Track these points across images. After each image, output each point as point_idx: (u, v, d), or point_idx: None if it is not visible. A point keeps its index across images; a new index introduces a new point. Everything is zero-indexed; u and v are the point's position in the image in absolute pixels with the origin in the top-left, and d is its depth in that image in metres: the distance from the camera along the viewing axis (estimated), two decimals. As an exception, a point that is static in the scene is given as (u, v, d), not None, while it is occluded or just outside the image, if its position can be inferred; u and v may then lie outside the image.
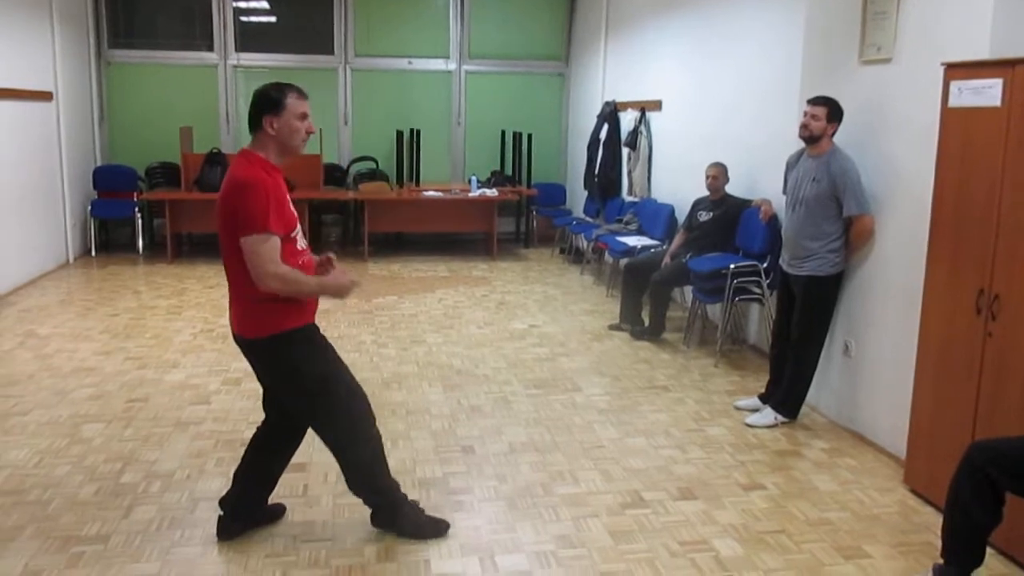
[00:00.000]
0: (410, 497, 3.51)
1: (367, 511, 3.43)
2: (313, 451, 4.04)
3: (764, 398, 4.69)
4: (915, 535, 3.40)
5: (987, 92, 3.34)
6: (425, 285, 8.01)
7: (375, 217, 9.34)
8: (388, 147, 10.47)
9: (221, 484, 3.66)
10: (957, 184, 3.50)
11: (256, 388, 4.93)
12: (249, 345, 3.02)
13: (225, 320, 6.49)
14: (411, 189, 9.94)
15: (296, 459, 3.91)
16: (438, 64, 10.86)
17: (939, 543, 3.30)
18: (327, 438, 3.16)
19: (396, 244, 10.23)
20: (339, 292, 3.05)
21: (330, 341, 3.19)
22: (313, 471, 3.85)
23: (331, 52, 10.62)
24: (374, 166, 10.42)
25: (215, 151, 9.33)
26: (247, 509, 3.30)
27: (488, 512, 3.49)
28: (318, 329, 3.13)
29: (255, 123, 2.93)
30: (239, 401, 4.74)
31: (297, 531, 3.31)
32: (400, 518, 3.26)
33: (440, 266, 9.03)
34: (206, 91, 10.36)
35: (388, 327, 6.40)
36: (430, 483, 3.75)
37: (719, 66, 6.65)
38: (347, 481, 3.23)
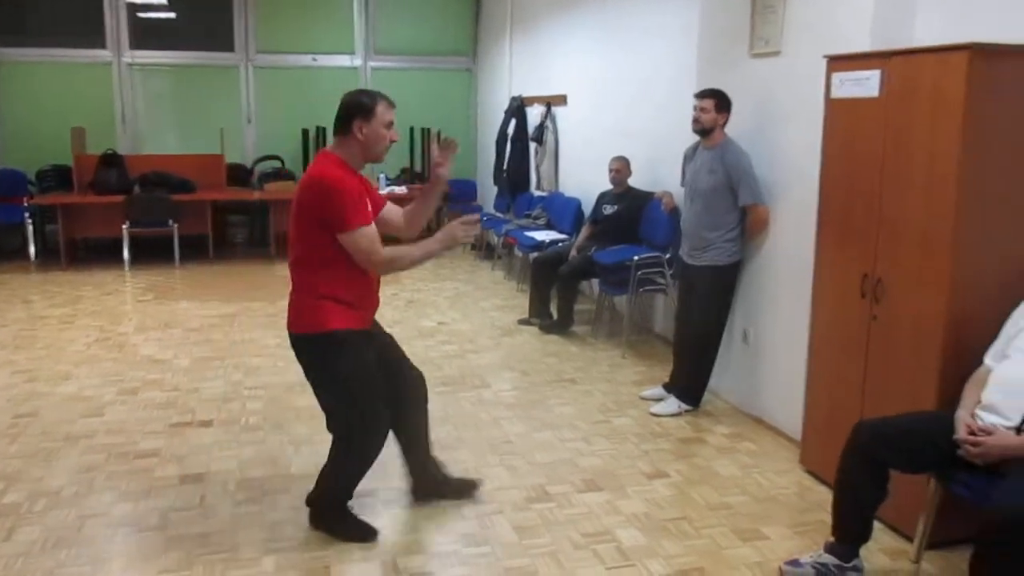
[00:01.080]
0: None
1: (267, 520, 3.35)
2: (211, 460, 3.94)
3: (668, 387, 4.77)
4: (810, 514, 3.50)
5: (866, 83, 3.45)
6: (334, 285, 7.86)
7: (282, 217, 9.11)
8: (294, 145, 10.28)
9: (112, 499, 3.53)
10: (841, 173, 3.61)
11: (153, 398, 4.81)
12: (296, 340, 3.11)
13: (122, 328, 6.28)
14: (318, 188, 9.75)
15: (194, 468, 3.84)
16: (343, 60, 10.70)
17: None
18: (338, 436, 3.26)
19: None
20: (450, 243, 3.12)
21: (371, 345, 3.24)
22: (211, 481, 3.73)
23: (231, 49, 10.35)
24: (280, 165, 10.20)
25: (110, 152, 9.00)
26: (418, 481, 3.52)
27: (391, 514, 3.44)
28: (370, 337, 3.21)
29: (344, 126, 3.02)
30: (136, 412, 4.57)
31: (192, 544, 3.19)
32: (335, 523, 3.28)
33: (350, 265, 8.87)
34: (100, 90, 9.97)
35: (294, 329, 6.26)
36: (333, 487, 3.67)
37: (620, 60, 6.73)
38: (323, 473, 3.29)
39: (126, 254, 8.62)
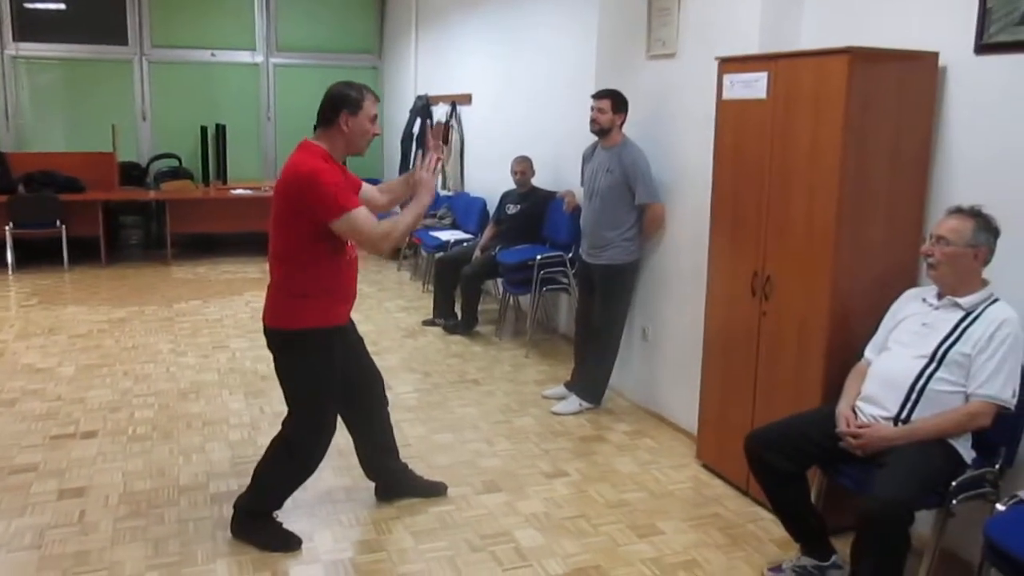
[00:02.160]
0: (200, 514, 3.40)
1: (151, 535, 3.21)
2: (94, 473, 3.76)
3: (570, 386, 4.79)
4: (705, 508, 3.56)
5: (755, 85, 3.52)
6: (233, 288, 7.65)
7: (179, 217, 8.82)
8: (192, 144, 9.93)
9: (-19, 518, 3.32)
10: (732, 173, 3.68)
11: (32, 409, 4.55)
12: (268, 333, 3.10)
13: (2, 335, 5.94)
14: (218, 187, 9.49)
15: (74, 483, 3.66)
16: (244, 56, 10.41)
17: (726, 513, 3.49)
18: (286, 432, 3.17)
19: (204, 245, 9.68)
20: (430, 190, 3.14)
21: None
22: (92, 495, 3.55)
23: (125, 43, 9.93)
24: (177, 164, 9.84)
25: (-8, 149, 8.52)
26: (386, 481, 3.53)
27: (285, 523, 3.33)
28: (343, 334, 3.18)
29: (329, 118, 3.00)
30: (13, 424, 4.31)
31: (68, 563, 3.02)
32: (258, 531, 3.19)
33: (251, 267, 8.65)
34: (-20, 85, 9.43)
35: (189, 334, 6.05)
36: (224, 497, 3.53)
37: (524, 60, 6.73)
38: (259, 472, 3.20)
39: (10, 257, 8.16)
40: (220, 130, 9.77)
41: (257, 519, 3.21)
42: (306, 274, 3.00)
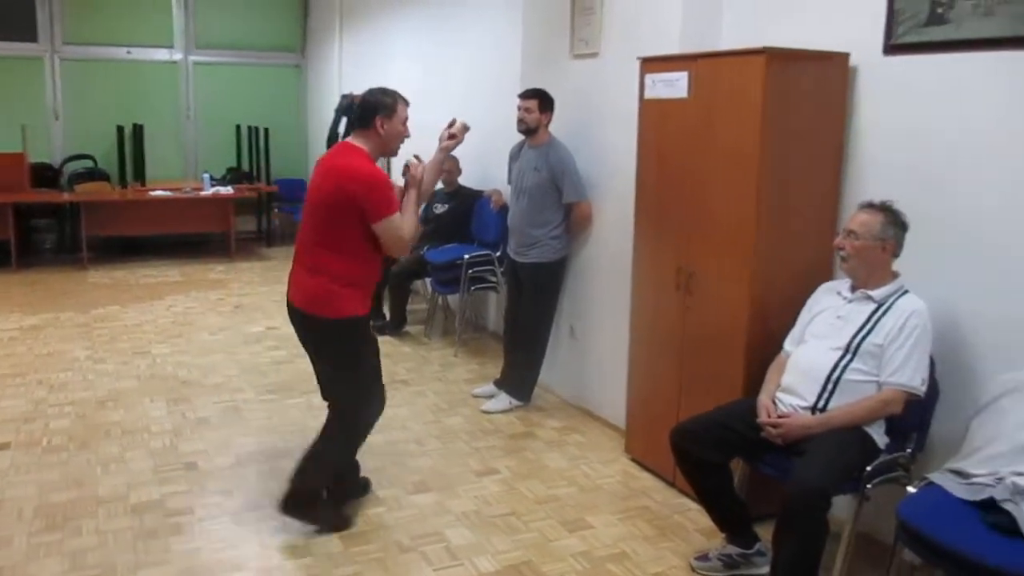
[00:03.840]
0: (120, 525, 3.31)
1: (68, 548, 3.11)
2: (7, 486, 3.62)
3: (499, 383, 4.80)
4: (633, 501, 3.61)
5: (676, 84, 3.59)
6: (153, 292, 7.43)
7: (95, 220, 8.53)
8: (108, 144, 9.61)
9: None
10: (655, 171, 3.74)
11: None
12: (311, 321, 3.22)
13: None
14: (136, 189, 9.21)
15: (-17, 498, 3.49)
16: (162, 54, 10.12)
17: (654, 505, 3.55)
18: (338, 412, 3.33)
19: (123, 249, 9.39)
20: (418, 181, 3.37)
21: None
22: (5, 509, 3.41)
23: (35, 40, 9.54)
24: (92, 164, 9.52)
25: None
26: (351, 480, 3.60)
27: (209, 531, 3.26)
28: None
29: (366, 122, 3.16)
30: (-83, 437, 4.11)
31: (-21, 580, 2.91)
32: (312, 510, 3.30)
33: (172, 270, 8.42)
34: None
35: (107, 340, 5.86)
36: (145, 507, 3.44)
37: (449, 58, 6.72)
38: (313, 453, 3.29)
39: (-88, 263, 7.79)
40: (138, 130, 9.49)
41: (313, 496, 3.31)
42: (356, 265, 3.18)
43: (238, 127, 10.24)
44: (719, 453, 2.94)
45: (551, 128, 4.55)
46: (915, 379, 2.73)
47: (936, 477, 2.59)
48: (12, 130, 8.74)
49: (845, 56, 3.26)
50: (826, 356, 2.84)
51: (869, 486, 2.70)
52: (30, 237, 9.20)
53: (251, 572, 3.00)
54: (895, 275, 2.88)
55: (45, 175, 9.16)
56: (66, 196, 8.82)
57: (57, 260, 8.88)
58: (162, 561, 3.04)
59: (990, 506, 2.41)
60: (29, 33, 9.51)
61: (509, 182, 4.81)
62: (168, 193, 8.86)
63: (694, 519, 3.42)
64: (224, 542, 3.19)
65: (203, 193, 8.96)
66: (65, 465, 3.84)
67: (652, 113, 3.74)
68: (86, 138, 9.70)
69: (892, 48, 3.10)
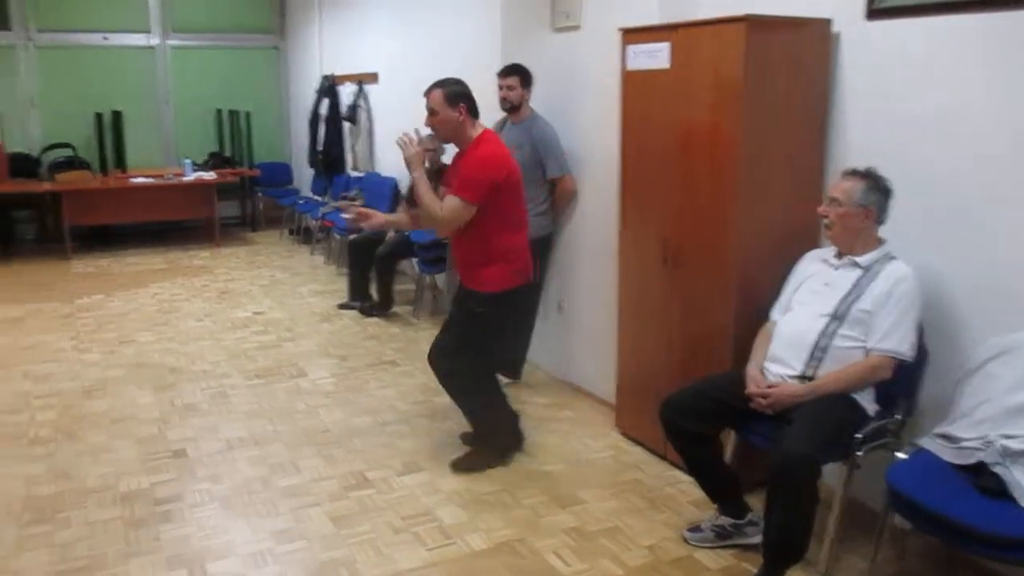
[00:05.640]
0: (109, 515, 3.28)
1: (57, 540, 3.10)
2: (-7, 479, 3.58)
3: (489, 362, 4.78)
4: (624, 474, 3.61)
5: (658, 55, 3.54)
6: (137, 280, 7.36)
7: (76, 209, 8.42)
8: (87, 132, 9.48)
9: None
10: (638, 143, 3.71)
11: None
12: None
13: None
14: (117, 176, 9.10)
15: (-31, 491, 3.46)
16: (138, 39, 9.96)
17: (645, 479, 3.55)
18: (455, 384, 3.66)
19: (105, 238, 9.30)
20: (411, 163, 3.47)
21: None
22: (-8, 502, 3.38)
23: (8, 27, 9.37)
24: (71, 153, 9.38)
25: None
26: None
27: (199, 518, 3.24)
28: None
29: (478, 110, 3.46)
30: (-100, 433, 4.07)
31: (-33, 574, 2.88)
32: (493, 441, 3.73)
33: (156, 258, 8.35)
34: None
35: (92, 329, 5.81)
36: (134, 496, 3.41)
37: (429, 36, 6.63)
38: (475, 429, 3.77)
39: None
40: (116, 117, 9.37)
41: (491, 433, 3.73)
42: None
43: (218, 111, 10.12)
44: (708, 425, 2.94)
45: (532, 103, 4.50)
46: (903, 344, 2.73)
47: (925, 442, 2.60)
48: (-12, 120, 8.62)
49: (827, 22, 3.22)
50: (813, 323, 2.83)
51: (859, 453, 2.70)
52: (11, 228, 9.11)
53: (242, 557, 2.99)
54: (881, 241, 2.87)
55: (24, 165, 9.03)
56: (46, 186, 8.69)
57: (39, 250, 8.79)
58: (152, 549, 3.02)
59: (980, 470, 2.41)
60: (2, 21, 9.34)
61: (492, 159, 4.75)
62: (149, 180, 8.77)
63: (686, 491, 3.43)
64: (213, 528, 3.17)
65: (184, 179, 8.87)
66: (52, 457, 3.81)
67: (634, 85, 3.70)
68: (64, 126, 9.54)
69: (875, 12, 3.07)
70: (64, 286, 7.16)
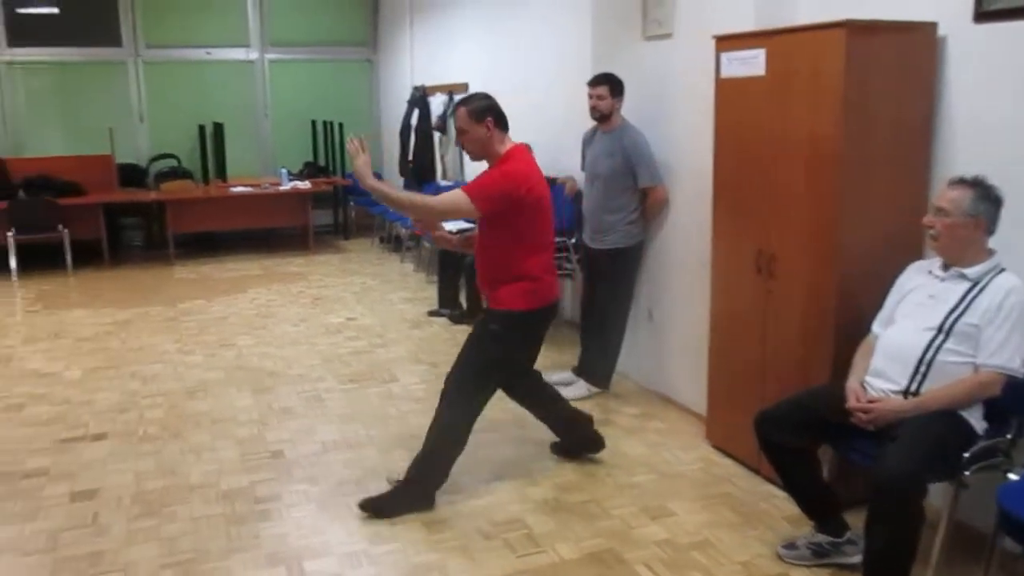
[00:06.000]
0: (212, 511, 3.40)
1: (164, 534, 3.24)
2: (106, 474, 3.77)
3: (577, 371, 4.78)
4: (715, 487, 3.56)
5: (753, 62, 3.50)
6: (236, 285, 7.64)
7: (180, 217, 8.82)
8: (190, 143, 9.92)
9: (-5, 523, 3.33)
10: (732, 151, 3.66)
11: (40, 413, 4.54)
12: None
13: (8, 340, 5.95)
14: (218, 185, 9.48)
15: (86, 485, 3.67)
16: (238, 53, 10.38)
17: (738, 492, 3.49)
18: (447, 400, 3.43)
19: (206, 244, 9.70)
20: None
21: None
22: (104, 497, 3.55)
23: (119, 44, 9.90)
24: (176, 163, 9.84)
25: (-11, 156, 8.52)
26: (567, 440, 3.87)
27: (296, 517, 3.34)
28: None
29: (506, 123, 3.39)
30: (21, 429, 4.32)
31: (83, 565, 3.03)
32: (403, 504, 3.38)
33: (253, 264, 8.65)
34: (-26, 90, 9.41)
35: (195, 332, 6.05)
36: (235, 494, 3.55)
37: (519, 46, 6.70)
38: (424, 448, 3.44)
39: (12, 263, 8.17)
40: (217, 128, 9.75)
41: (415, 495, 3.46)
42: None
43: (313, 122, 10.43)
44: (806, 439, 2.87)
45: (623, 112, 4.49)
46: (1015, 360, 2.61)
47: (1039, 463, 2.48)
48: (100, 133, 9.09)
49: (932, 26, 3.12)
50: (918, 337, 2.74)
51: (967, 473, 2.59)
52: (119, 235, 9.59)
53: (338, 557, 3.06)
54: (990, 252, 2.75)
55: (132, 175, 9.51)
56: (152, 195, 9.14)
57: (145, 256, 9.22)
58: (252, 546, 3.13)
59: (1099, 493, 2.29)
60: (113, 39, 9.86)
61: (583, 168, 4.77)
62: (248, 189, 9.10)
63: (780, 507, 3.35)
64: (310, 528, 3.26)
65: (281, 188, 9.17)
66: (159, 454, 3.99)
67: (728, 93, 3.66)
68: (169, 138, 10.03)
69: (983, 15, 2.96)
70: (168, 291, 7.49)
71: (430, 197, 3.39)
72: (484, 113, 3.32)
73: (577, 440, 3.87)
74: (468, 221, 5.99)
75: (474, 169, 7.61)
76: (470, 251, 3.68)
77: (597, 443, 3.85)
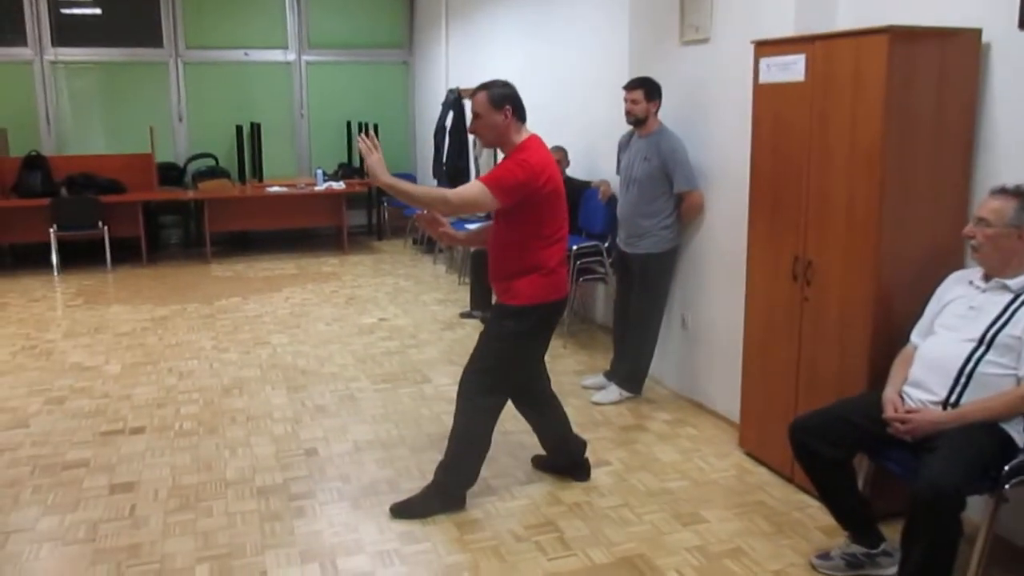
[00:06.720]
0: (247, 507, 3.44)
1: (200, 528, 3.29)
2: (144, 468, 3.83)
3: (609, 375, 4.77)
4: (748, 496, 3.54)
5: (792, 67, 3.48)
6: (271, 284, 7.74)
7: (217, 216, 8.94)
8: (228, 143, 10.05)
9: (37, 513, 3.40)
10: (770, 157, 3.64)
11: (81, 406, 4.65)
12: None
13: (50, 335, 6.08)
14: (254, 185, 9.59)
15: (124, 478, 3.73)
16: (276, 55, 10.50)
17: (771, 501, 3.47)
18: (466, 402, 3.43)
19: (242, 243, 9.83)
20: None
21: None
22: (142, 489, 3.62)
23: (160, 45, 10.07)
24: (214, 163, 9.97)
25: (34, 154, 8.70)
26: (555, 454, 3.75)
27: (330, 515, 3.38)
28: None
29: (525, 114, 3.34)
30: (63, 422, 4.41)
31: (121, 556, 3.09)
32: (433, 505, 3.38)
33: (288, 264, 8.75)
34: (21, 90, 9.62)
35: (230, 330, 6.13)
36: (270, 491, 3.59)
37: (555, 49, 6.71)
38: (447, 451, 3.43)
39: (55, 259, 8.34)
40: (255, 128, 9.87)
41: (437, 497, 3.44)
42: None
43: (348, 123, 10.51)
44: (841, 449, 2.85)
45: (660, 116, 4.48)
46: (1058, 373, 2.57)
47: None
48: (140, 132, 9.23)
49: (976, 32, 3.08)
50: (958, 348, 2.70)
51: (1007, 486, 2.56)
52: (158, 233, 9.74)
53: (370, 555, 3.09)
54: (1034, 263, 2.71)
55: (171, 174, 9.66)
56: (190, 194, 9.28)
57: (183, 254, 9.36)
58: (287, 543, 3.17)
59: None
60: (155, 40, 10.03)
61: (618, 172, 4.77)
62: (284, 189, 9.20)
63: (814, 516, 3.33)
64: (343, 526, 3.29)
65: (316, 188, 9.26)
66: (195, 449, 4.05)
67: (767, 98, 3.63)
68: (207, 138, 10.18)
69: (1030, 22, 2.92)
70: (205, 288, 7.59)
71: (447, 190, 3.30)
72: (504, 100, 3.25)
73: (565, 461, 3.72)
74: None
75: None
76: (475, 246, 3.71)
77: (584, 470, 3.71)
